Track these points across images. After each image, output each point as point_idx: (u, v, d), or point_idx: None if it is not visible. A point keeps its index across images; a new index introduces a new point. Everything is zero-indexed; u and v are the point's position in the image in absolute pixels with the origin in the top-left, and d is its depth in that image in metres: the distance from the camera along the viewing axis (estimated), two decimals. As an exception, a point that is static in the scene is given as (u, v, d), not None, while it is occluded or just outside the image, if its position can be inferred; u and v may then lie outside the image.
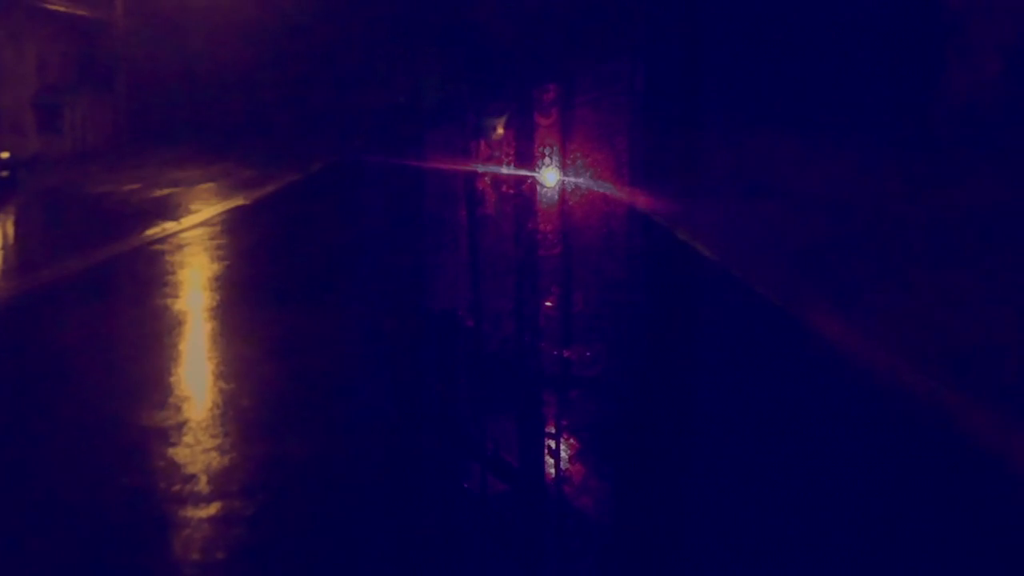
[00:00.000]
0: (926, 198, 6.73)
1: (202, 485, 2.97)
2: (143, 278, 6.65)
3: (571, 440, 4.20)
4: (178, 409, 3.73)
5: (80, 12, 17.91)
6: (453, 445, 4.24)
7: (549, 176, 6.66)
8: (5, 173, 12.79)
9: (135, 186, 12.53)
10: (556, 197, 6.67)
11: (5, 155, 12.99)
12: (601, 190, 6.61)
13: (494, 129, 6.79)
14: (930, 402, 3.84)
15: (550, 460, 4.01)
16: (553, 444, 4.20)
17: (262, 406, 3.88)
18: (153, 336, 5.00)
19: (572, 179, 6.32)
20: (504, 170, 7.20)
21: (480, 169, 7.46)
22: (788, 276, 5.93)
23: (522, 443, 4.51)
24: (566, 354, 5.32)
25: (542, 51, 7.12)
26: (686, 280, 6.72)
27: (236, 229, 8.88)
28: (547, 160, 6.67)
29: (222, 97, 18.29)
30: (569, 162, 6.46)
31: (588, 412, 4.68)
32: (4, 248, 8.56)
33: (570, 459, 3.98)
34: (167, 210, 9.96)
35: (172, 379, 4.35)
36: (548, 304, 5.99)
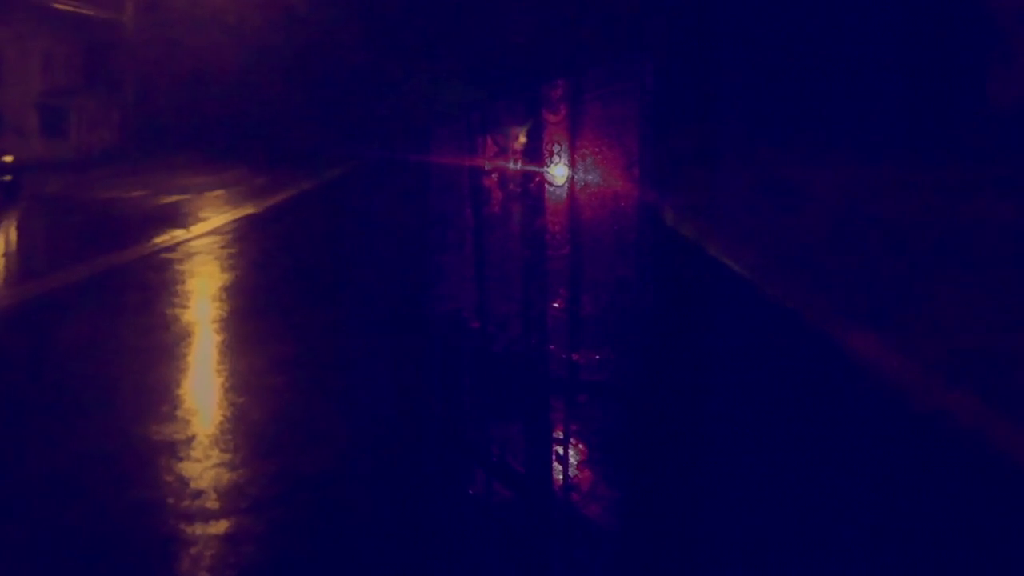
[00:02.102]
0: (963, 212, 6.60)
1: (211, 501, 2.95)
2: (151, 287, 6.62)
3: (579, 446, 4.17)
4: (187, 422, 3.71)
5: (89, 12, 17.72)
6: (459, 452, 4.21)
7: (557, 173, 6.60)
8: (8, 177, 12.69)
9: (143, 192, 12.48)
10: (564, 195, 6.61)
11: (9, 159, 12.90)
12: (611, 188, 6.56)
13: (516, 138, 6.73)
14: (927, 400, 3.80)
15: (557, 466, 3.98)
16: (560, 450, 4.17)
17: (272, 419, 3.86)
18: (161, 347, 4.97)
19: (581, 177, 6.26)
20: (512, 167, 7.14)
21: (487, 167, 7.41)
22: (800, 279, 5.89)
23: (528, 448, 4.47)
24: (574, 357, 5.29)
25: (552, 46, 7.06)
26: (697, 282, 6.68)
27: (246, 238, 8.85)
28: (556, 157, 6.60)
29: (233, 102, 18.08)
30: (578, 159, 6.40)
31: (596, 417, 4.65)
32: (7, 254, 8.53)
33: (578, 465, 3.95)
34: (176, 217, 9.93)
35: (180, 391, 4.32)
36: (556, 306, 5.96)
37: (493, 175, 7.45)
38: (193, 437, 3.53)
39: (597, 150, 6.52)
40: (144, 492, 3.05)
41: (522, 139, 6.80)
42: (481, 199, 7.58)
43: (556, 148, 6.71)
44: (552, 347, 5.50)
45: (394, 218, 10.16)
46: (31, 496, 3.11)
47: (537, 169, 6.84)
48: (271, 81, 16.92)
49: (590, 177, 6.48)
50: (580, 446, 4.27)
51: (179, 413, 3.86)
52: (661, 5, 6.78)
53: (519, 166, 6.96)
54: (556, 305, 5.87)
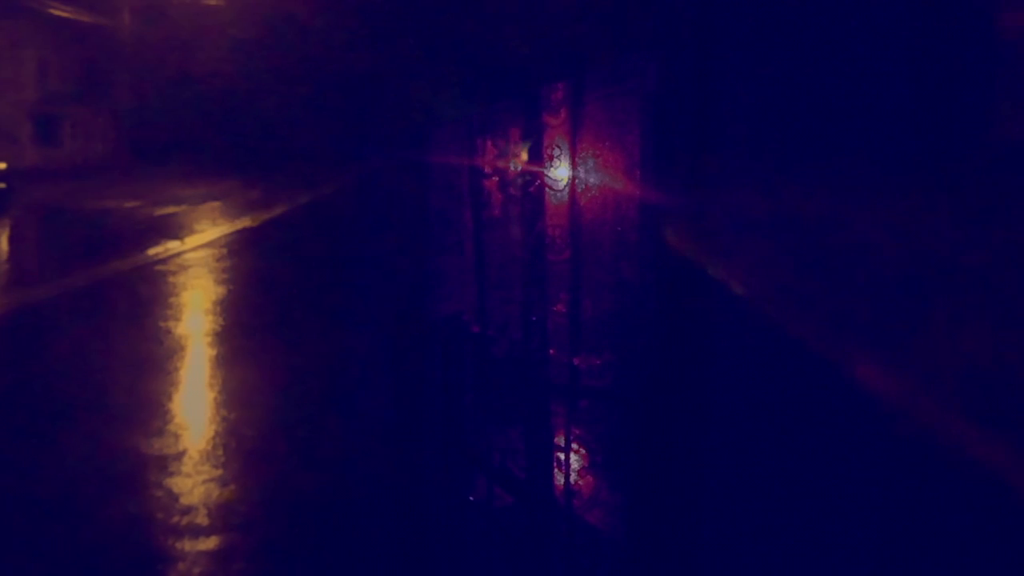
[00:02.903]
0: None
1: (201, 517, 2.88)
2: (143, 298, 6.56)
3: (580, 451, 4.12)
4: (178, 437, 3.66)
5: (85, 19, 17.64)
6: (460, 458, 4.15)
7: (558, 176, 6.54)
8: (1, 185, 12.63)
9: (137, 202, 12.42)
10: (566, 198, 6.56)
11: (1, 166, 12.84)
12: (612, 191, 6.50)
13: (517, 156, 6.68)
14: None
15: (559, 472, 3.93)
16: (562, 456, 4.12)
17: (265, 434, 3.81)
18: (152, 359, 4.92)
19: (582, 179, 6.21)
20: (512, 169, 7.09)
21: (487, 169, 7.35)
22: (804, 293, 5.82)
23: (529, 454, 4.43)
24: (575, 362, 5.23)
25: (552, 48, 7.00)
26: (700, 288, 6.61)
27: (241, 251, 8.78)
28: (556, 160, 6.55)
29: (230, 111, 17.95)
30: (579, 162, 6.35)
31: (598, 422, 4.61)
32: None
33: (579, 471, 3.90)
34: (170, 229, 9.86)
35: (172, 405, 4.26)
36: (557, 310, 5.89)
37: (493, 178, 7.40)
38: (184, 451, 3.48)
39: (598, 153, 6.45)
40: (133, 507, 2.99)
41: (524, 156, 6.76)
42: (481, 202, 7.53)
43: (556, 151, 6.66)
44: (553, 352, 5.44)
45: (394, 230, 10.10)
46: (16, 509, 3.05)
47: (537, 171, 6.79)
48: (269, 89, 16.77)
49: (591, 180, 6.42)
50: (582, 451, 4.22)
51: (170, 427, 3.81)
52: (663, 5, 6.71)
53: (519, 169, 6.90)
54: (557, 309, 5.80)
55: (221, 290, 6.82)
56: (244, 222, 10.55)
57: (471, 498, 3.72)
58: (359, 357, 5.19)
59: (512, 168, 7.13)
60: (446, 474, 3.80)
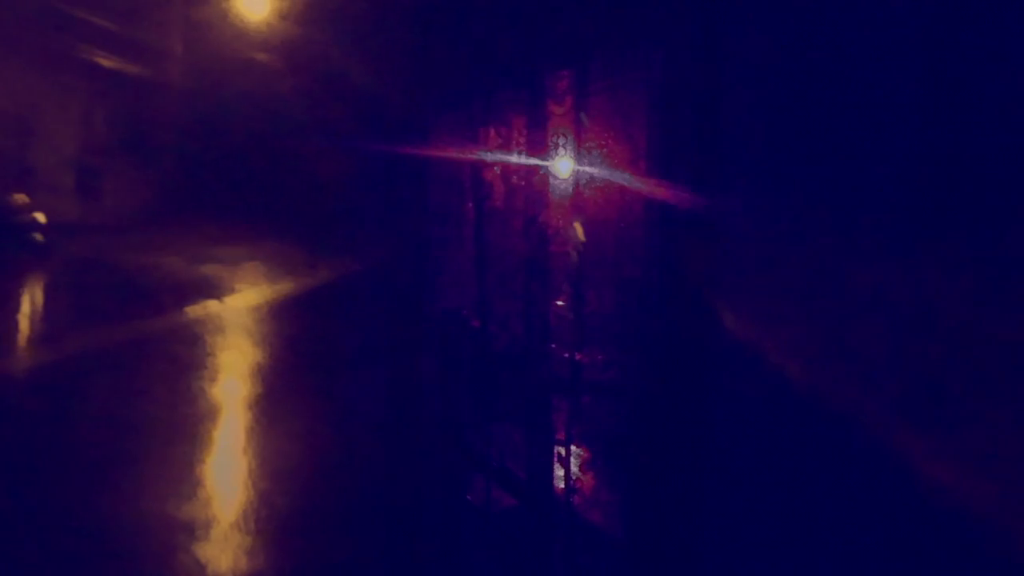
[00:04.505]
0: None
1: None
2: (179, 358, 6.38)
3: (582, 449, 4.02)
4: (208, 503, 3.55)
5: (132, 70, 17.36)
6: (457, 458, 4.05)
7: (562, 167, 6.41)
8: (40, 237, 12.48)
9: (176, 258, 12.20)
10: (569, 189, 6.44)
11: (41, 218, 12.71)
12: (617, 182, 6.37)
13: (520, 145, 6.56)
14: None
15: (559, 471, 3.83)
16: (563, 452, 4.02)
17: (297, 505, 3.67)
18: (186, 422, 4.77)
19: (586, 170, 6.09)
20: (514, 160, 6.96)
21: (489, 160, 7.23)
22: (811, 292, 5.70)
23: (530, 453, 4.32)
24: (577, 357, 5.13)
25: (557, 34, 6.86)
26: (705, 280, 6.48)
27: (281, 316, 8.55)
28: (560, 150, 6.42)
29: (278, 169, 17.53)
30: (583, 152, 6.23)
31: (600, 418, 4.51)
32: (32, 316, 8.32)
33: (581, 470, 3.80)
34: (209, 287, 9.65)
35: (203, 469, 4.14)
36: (559, 304, 5.76)
37: (496, 168, 7.27)
38: (214, 518, 3.37)
39: (603, 143, 6.33)
40: (160, 574, 2.88)
41: (527, 146, 6.63)
42: (483, 193, 7.40)
43: (561, 140, 6.53)
44: (555, 346, 5.33)
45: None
46: (44, 572, 2.94)
47: (541, 162, 6.66)
48: (316, 151, 16.28)
49: (596, 171, 6.30)
50: (583, 449, 4.12)
51: (201, 492, 3.70)
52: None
53: (522, 158, 6.78)
54: (559, 303, 5.68)
55: (258, 353, 6.64)
56: (285, 284, 10.32)
57: (468, 498, 3.65)
58: (397, 441, 5.00)
59: (515, 158, 7.00)
60: (444, 475, 3.72)
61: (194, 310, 8.24)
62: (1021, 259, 4.12)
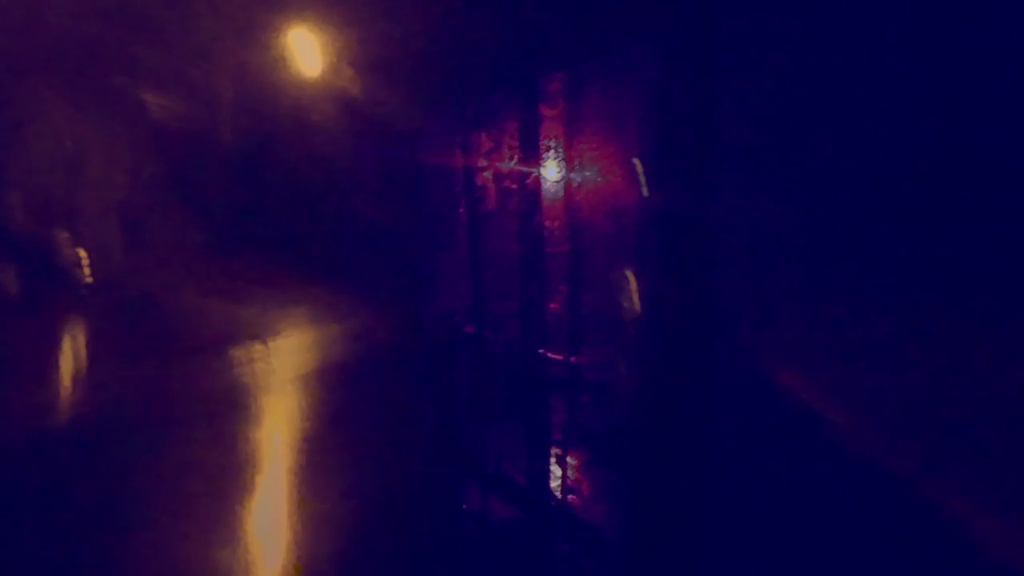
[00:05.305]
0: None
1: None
2: (222, 401, 6.27)
3: (579, 450, 3.99)
4: (248, 555, 3.45)
5: (183, 115, 17.48)
6: (453, 466, 4.01)
7: (555, 169, 6.40)
8: (87, 276, 12.48)
9: (223, 301, 12.06)
10: (562, 192, 6.42)
11: (85, 258, 12.73)
12: (610, 184, 6.36)
13: (513, 148, 6.54)
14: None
15: (557, 471, 3.79)
16: (560, 453, 3.98)
17: (338, 553, 3.57)
18: (226, 468, 4.67)
19: (579, 173, 6.07)
20: (507, 163, 6.94)
21: (482, 163, 7.20)
22: (811, 276, 5.69)
23: (527, 454, 4.28)
24: (573, 359, 5.09)
25: (549, 36, 6.85)
26: (700, 280, 6.47)
27: (326, 359, 8.41)
28: (552, 153, 6.40)
29: (332, 212, 17.34)
30: (576, 155, 6.21)
31: (597, 420, 4.48)
32: (74, 355, 8.22)
33: (578, 472, 3.76)
34: (255, 330, 9.52)
35: (244, 518, 4.03)
36: (554, 306, 5.73)
37: (488, 171, 7.25)
38: (251, 564, 3.29)
39: (596, 145, 6.31)
40: None
41: (519, 148, 6.61)
42: (475, 196, 7.38)
43: (553, 143, 6.51)
44: (551, 348, 5.30)
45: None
46: None
47: (533, 165, 6.65)
48: (366, 196, 16.10)
49: (588, 173, 6.28)
50: (581, 450, 4.08)
51: (242, 543, 3.61)
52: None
53: (515, 161, 6.77)
54: (555, 304, 5.65)
55: (303, 397, 6.53)
56: (331, 328, 10.18)
57: (464, 507, 3.61)
58: (446, 499, 4.88)
59: (508, 161, 6.98)
60: (440, 482, 3.67)
61: (238, 353, 8.18)
62: (1020, 259, 4.13)
